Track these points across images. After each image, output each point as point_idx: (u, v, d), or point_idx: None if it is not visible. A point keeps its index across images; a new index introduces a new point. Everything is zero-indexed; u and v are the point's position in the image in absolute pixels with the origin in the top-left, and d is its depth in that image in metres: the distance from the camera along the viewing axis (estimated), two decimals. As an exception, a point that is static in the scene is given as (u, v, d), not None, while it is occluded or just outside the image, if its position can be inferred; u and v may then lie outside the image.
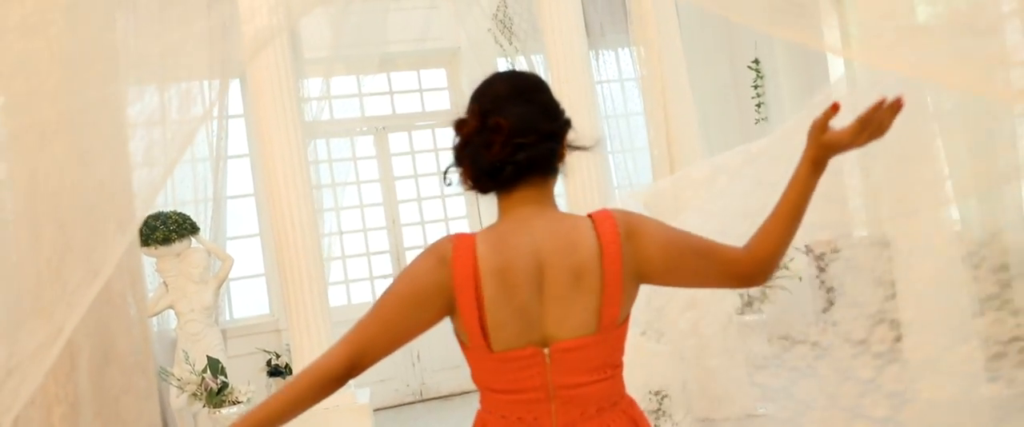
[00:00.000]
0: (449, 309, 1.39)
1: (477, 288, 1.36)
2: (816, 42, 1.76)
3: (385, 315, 1.38)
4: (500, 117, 1.37)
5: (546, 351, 1.38)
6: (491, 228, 1.42)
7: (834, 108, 1.45)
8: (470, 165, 1.39)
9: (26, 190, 1.83)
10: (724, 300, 2.75)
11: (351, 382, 5.30)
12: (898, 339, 2.46)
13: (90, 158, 1.87)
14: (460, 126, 1.40)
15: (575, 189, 4.32)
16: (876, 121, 1.41)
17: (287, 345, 5.15)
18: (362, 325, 1.39)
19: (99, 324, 1.87)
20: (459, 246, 1.38)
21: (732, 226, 2.37)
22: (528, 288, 1.37)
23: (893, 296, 2.48)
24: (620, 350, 1.46)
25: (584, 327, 1.38)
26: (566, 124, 1.46)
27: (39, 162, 1.83)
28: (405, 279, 1.39)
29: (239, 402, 4.52)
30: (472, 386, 1.50)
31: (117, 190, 1.89)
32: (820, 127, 1.44)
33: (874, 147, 1.64)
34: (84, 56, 1.85)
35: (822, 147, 1.44)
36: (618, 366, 1.46)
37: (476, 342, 1.39)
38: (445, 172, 1.44)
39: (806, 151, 1.46)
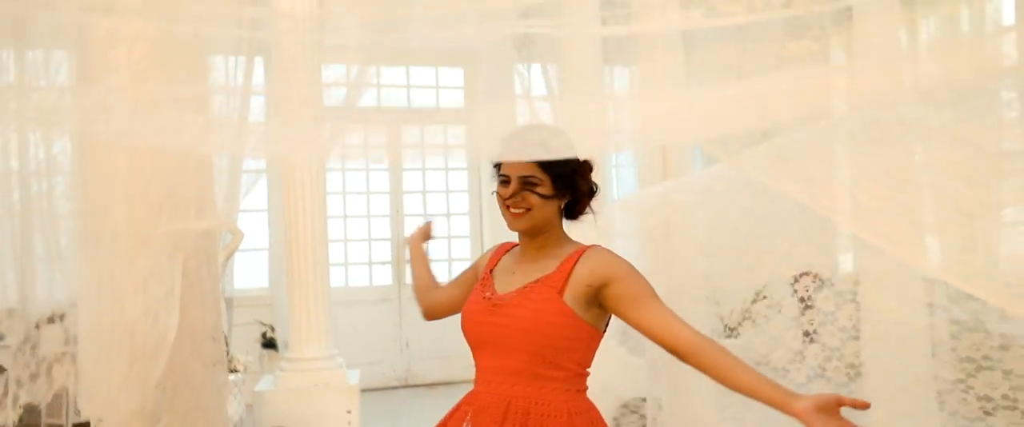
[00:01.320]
0: None
1: None
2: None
3: None
4: None
5: None
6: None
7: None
8: (593, 195, 1.79)
9: (125, 171, 2.00)
10: (703, 321, 2.89)
11: (342, 362, 5.37)
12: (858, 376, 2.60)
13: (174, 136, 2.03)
14: (591, 169, 1.78)
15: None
16: None
17: (283, 319, 5.31)
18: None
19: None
20: None
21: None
22: None
23: (856, 338, 2.61)
24: None
25: None
26: None
27: (134, 144, 2.01)
28: (642, 273, 1.69)
29: (236, 370, 4.67)
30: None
31: (197, 166, 2.07)
32: None
33: (870, 191, 2.00)
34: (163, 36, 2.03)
35: None
36: None
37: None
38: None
39: None
